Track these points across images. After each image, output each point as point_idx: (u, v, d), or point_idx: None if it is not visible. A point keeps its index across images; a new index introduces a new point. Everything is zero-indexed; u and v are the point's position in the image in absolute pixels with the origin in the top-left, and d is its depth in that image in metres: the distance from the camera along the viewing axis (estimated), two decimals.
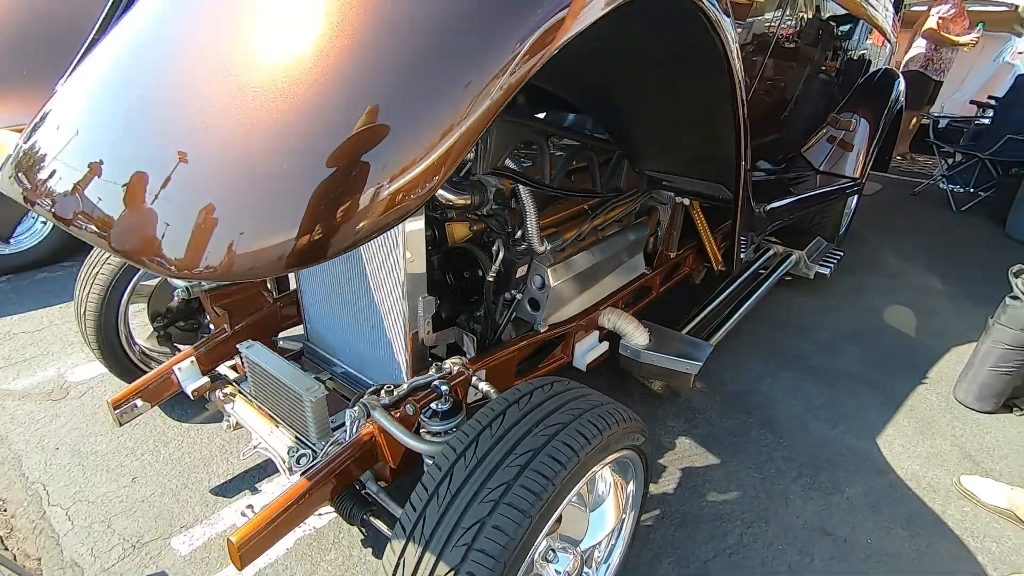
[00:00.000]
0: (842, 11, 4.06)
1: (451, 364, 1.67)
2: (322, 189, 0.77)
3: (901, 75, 3.99)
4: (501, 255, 1.91)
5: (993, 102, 6.31)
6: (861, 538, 1.94)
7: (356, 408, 1.60)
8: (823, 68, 3.52)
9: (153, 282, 2.41)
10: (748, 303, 3.01)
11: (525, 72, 0.87)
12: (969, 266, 4.32)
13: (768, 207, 2.69)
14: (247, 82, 0.84)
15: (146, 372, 2.18)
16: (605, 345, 2.49)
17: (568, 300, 2.30)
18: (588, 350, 2.43)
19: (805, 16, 2.90)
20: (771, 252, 3.66)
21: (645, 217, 2.71)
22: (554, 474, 1.17)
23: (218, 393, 1.94)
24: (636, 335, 2.48)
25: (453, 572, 1.07)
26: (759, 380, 2.82)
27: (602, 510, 1.64)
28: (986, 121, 6.45)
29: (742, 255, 2.42)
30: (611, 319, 2.50)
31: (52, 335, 2.91)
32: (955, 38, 4.90)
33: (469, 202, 1.92)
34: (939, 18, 4.95)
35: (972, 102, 6.56)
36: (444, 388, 1.49)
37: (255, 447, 1.82)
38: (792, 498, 2.11)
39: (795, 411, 2.60)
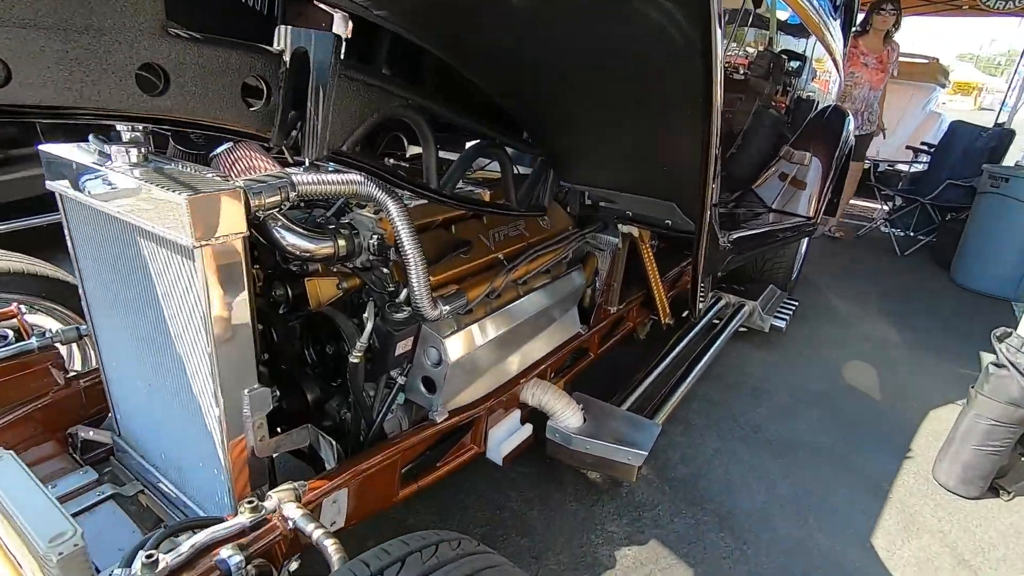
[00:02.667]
0: (794, 44, 3.84)
1: (277, 499, 1.11)
2: None
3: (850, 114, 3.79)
4: (371, 324, 1.38)
5: (926, 148, 6.37)
6: None
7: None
8: (773, 103, 3.24)
9: None
10: (699, 366, 2.58)
11: None
12: (921, 315, 4.11)
13: (732, 236, 2.28)
14: None
15: None
16: (528, 429, 1.98)
17: (477, 375, 1.79)
18: (506, 437, 1.91)
19: (756, 48, 2.57)
20: (722, 302, 3.29)
21: (579, 265, 2.25)
22: None
23: None
24: (566, 415, 1.99)
25: None
26: (713, 460, 2.37)
27: None
28: (920, 167, 6.50)
29: (700, 299, 1.95)
30: (536, 395, 2.00)
31: None
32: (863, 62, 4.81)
33: (332, 251, 1.40)
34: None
35: (908, 147, 6.62)
36: (235, 561, 0.93)
37: None
38: None
39: (757, 502, 2.15)
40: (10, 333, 1.64)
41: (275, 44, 1.00)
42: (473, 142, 1.36)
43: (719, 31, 0.96)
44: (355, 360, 1.38)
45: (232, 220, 1.10)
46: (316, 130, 0.94)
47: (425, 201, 1.65)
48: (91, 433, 1.73)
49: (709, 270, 1.54)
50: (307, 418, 1.62)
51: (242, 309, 1.18)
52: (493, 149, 1.40)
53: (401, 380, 1.48)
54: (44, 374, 1.62)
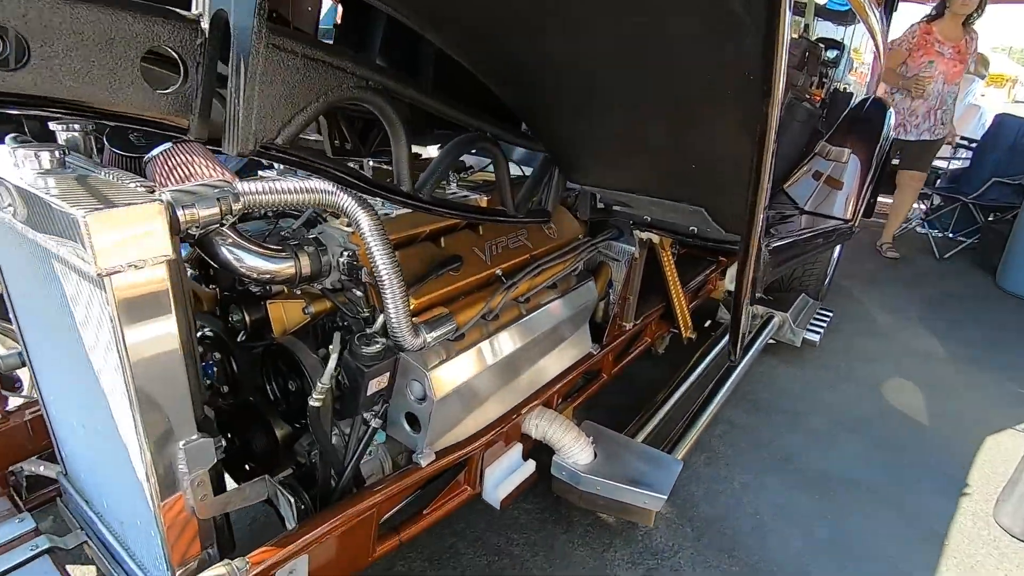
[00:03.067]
0: (832, 32, 3.52)
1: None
2: None
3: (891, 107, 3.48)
4: (335, 360, 1.16)
5: (966, 143, 5.97)
6: None
7: None
8: (807, 95, 2.95)
9: None
10: (724, 388, 2.32)
11: None
12: (967, 324, 3.77)
13: (771, 244, 2.02)
14: None
15: None
16: (530, 466, 1.75)
17: (472, 408, 1.56)
18: (505, 476, 1.69)
19: (790, 35, 2.29)
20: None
21: (591, 278, 2.01)
22: None
23: None
24: (574, 449, 1.75)
25: None
26: (741, 496, 2.11)
27: None
28: (960, 163, 6.10)
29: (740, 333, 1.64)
30: (540, 427, 1.77)
31: None
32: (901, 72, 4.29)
33: (293, 272, 1.18)
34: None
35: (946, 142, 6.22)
36: None
37: None
38: None
39: (792, 549, 1.89)
40: None
41: (193, 6, 0.79)
42: (459, 136, 1.13)
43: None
44: (315, 404, 1.16)
45: (151, 241, 0.89)
46: (238, 118, 0.72)
47: (409, 209, 1.43)
48: (41, 468, 1.55)
49: (753, 293, 1.27)
50: (275, 458, 1.42)
51: (170, 348, 0.97)
52: (482, 144, 1.17)
53: (375, 424, 1.25)
54: None
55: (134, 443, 1.00)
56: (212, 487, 1.12)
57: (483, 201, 1.61)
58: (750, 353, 2.62)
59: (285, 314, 1.32)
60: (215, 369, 1.41)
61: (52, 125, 1.33)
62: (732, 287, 3.33)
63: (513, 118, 1.29)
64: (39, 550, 1.31)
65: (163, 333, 0.95)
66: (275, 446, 1.39)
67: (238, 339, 1.31)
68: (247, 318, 1.25)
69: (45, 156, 0.99)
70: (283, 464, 1.45)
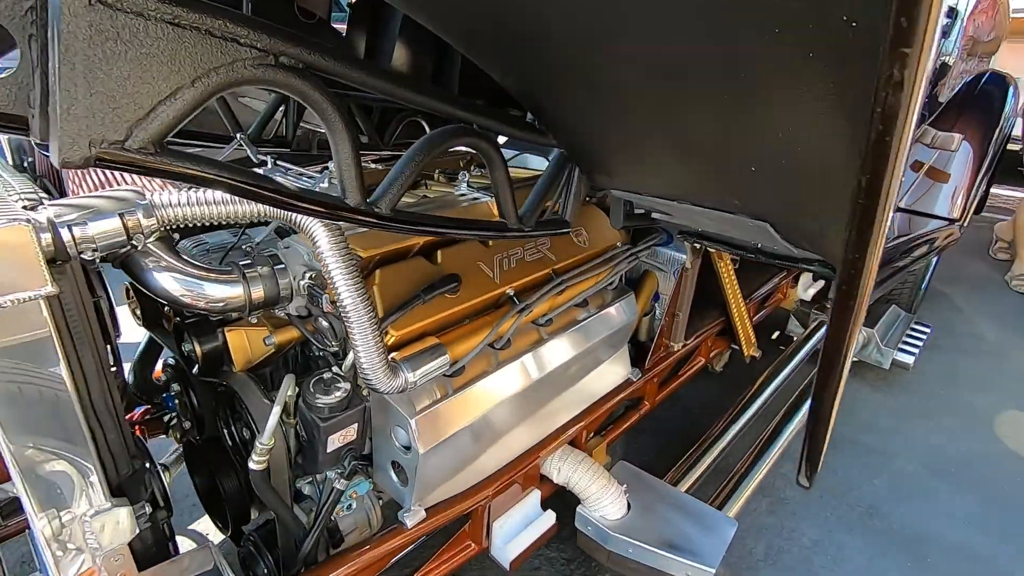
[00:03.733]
0: None
1: None
2: None
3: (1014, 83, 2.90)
4: (276, 414, 0.94)
5: None
6: None
7: None
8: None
9: None
10: (793, 423, 1.95)
11: None
12: None
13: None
14: None
15: None
16: (550, 518, 1.48)
17: (473, 455, 1.31)
18: (519, 530, 1.43)
19: None
20: (824, 327, 2.58)
21: (630, 292, 1.70)
22: None
23: None
24: (603, 500, 1.47)
25: None
26: (811, 556, 1.76)
27: None
28: None
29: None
30: (563, 471, 1.50)
31: None
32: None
33: (242, 298, 0.97)
34: None
35: None
36: None
37: None
38: None
39: None
40: None
41: None
42: (433, 132, 0.86)
43: None
44: (255, 467, 0.94)
45: (19, 272, 0.69)
46: (55, 111, 0.49)
47: None
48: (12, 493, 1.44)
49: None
50: (246, 505, 1.22)
51: (60, 405, 0.77)
52: (469, 139, 0.89)
53: (339, 485, 1.02)
54: None
55: (29, 511, 0.82)
56: (140, 563, 0.93)
57: (495, 206, 1.34)
58: None
59: (249, 344, 1.10)
60: (176, 401, 1.23)
61: None
62: (806, 296, 2.90)
63: (516, 105, 1.01)
64: None
65: (45, 387, 0.75)
66: (242, 493, 1.19)
67: (193, 372, 1.11)
68: (198, 349, 1.05)
69: None
70: (259, 509, 1.26)
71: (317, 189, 1.08)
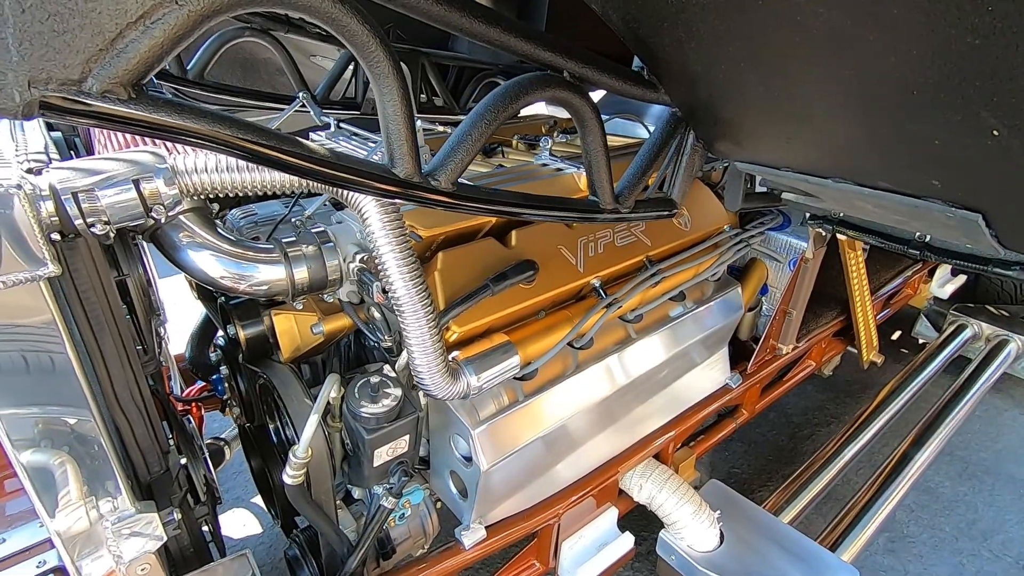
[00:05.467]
0: None
1: None
2: None
3: None
4: (314, 423, 0.80)
5: None
6: None
7: None
8: None
9: None
10: (927, 449, 1.62)
11: None
12: None
13: None
14: None
15: None
16: (627, 541, 1.30)
17: (544, 469, 1.14)
18: (592, 553, 1.26)
19: None
20: (967, 333, 2.18)
21: (735, 285, 1.44)
22: None
23: None
24: (692, 528, 1.26)
25: None
26: None
27: None
28: None
29: None
30: (646, 488, 1.31)
31: None
32: None
33: (285, 281, 0.84)
34: None
35: None
36: None
37: None
38: None
39: None
40: None
41: None
42: (510, 80, 0.66)
43: None
44: (291, 481, 0.81)
45: (12, 248, 0.57)
46: (7, 32, 0.34)
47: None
48: None
49: None
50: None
51: (69, 399, 0.67)
52: (557, 91, 0.67)
53: (387, 504, 0.88)
54: None
55: (41, 512, 0.73)
56: (176, 566, 0.84)
57: (582, 179, 1.13)
58: (970, 395, 1.85)
59: (298, 330, 0.98)
60: (225, 385, 1.14)
61: None
62: (943, 293, 2.46)
63: (622, 53, 0.78)
64: (45, 568, 1.16)
65: (50, 380, 0.65)
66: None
67: (239, 357, 1.00)
68: (241, 333, 0.93)
69: None
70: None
71: (375, 157, 0.92)
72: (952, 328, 2.19)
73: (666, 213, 0.97)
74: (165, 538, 0.79)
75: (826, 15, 0.51)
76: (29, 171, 0.62)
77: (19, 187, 0.56)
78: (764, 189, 1.14)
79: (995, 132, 0.49)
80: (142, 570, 0.79)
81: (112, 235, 0.67)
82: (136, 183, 0.64)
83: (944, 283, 2.37)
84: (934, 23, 0.45)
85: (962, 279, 2.43)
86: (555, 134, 1.47)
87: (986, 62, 0.47)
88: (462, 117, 1.89)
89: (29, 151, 0.65)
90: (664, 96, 0.82)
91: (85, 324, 0.68)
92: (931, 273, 2.36)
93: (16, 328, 0.60)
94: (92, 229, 0.64)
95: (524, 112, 1.90)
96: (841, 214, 1.03)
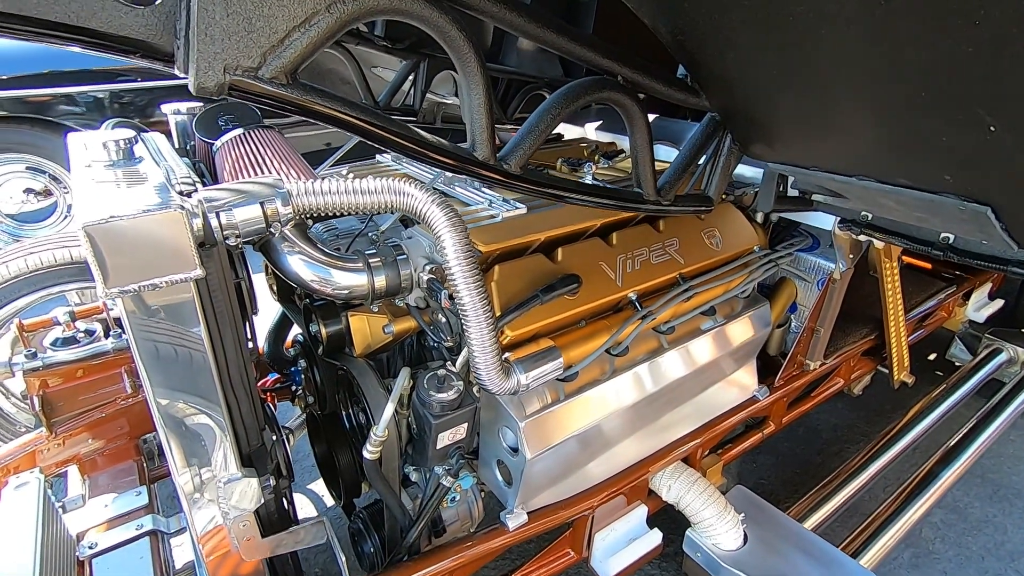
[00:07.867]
0: None
1: None
2: None
3: None
4: (391, 408, 0.93)
5: None
6: None
7: None
8: None
9: None
10: (953, 469, 1.67)
11: None
12: None
13: None
14: None
15: None
16: (656, 537, 1.39)
17: (582, 463, 1.25)
18: (622, 545, 1.36)
19: None
20: (1003, 357, 2.19)
21: (764, 303, 1.53)
22: None
23: None
24: (717, 528, 1.35)
25: None
26: None
27: None
28: None
29: None
30: (675, 489, 1.41)
31: None
32: None
33: (366, 286, 0.98)
34: None
35: None
36: None
37: None
38: None
39: None
40: (98, 328, 1.56)
41: None
42: (571, 83, 0.78)
43: None
44: (369, 457, 0.95)
45: (171, 256, 0.73)
46: (191, 33, 0.49)
47: (523, 210, 1.14)
48: None
49: None
50: (359, 481, 1.27)
51: (201, 378, 0.82)
52: (611, 94, 0.79)
53: (446, 482, 1.01)
54: (118, 379, 1.51)
55: (171, 464, 0.89)
56: (263, 528, 0.99)
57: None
58: (1003, 417, 1.87)
59: (369, 330, 1.13)
60: (302, 376, 1.30)
61: (163, 107, 1.29)
62: (978, 316, 2.47)
63: (664, 59, 0.90)
64: (142, 531, 1.33)
65: (190, 361, 0.80)
66: (354, 469, 1.24)
67: (318, 352, 1.16)
68: (323, 331, 1.09)
69: (113, 147, 0.90)
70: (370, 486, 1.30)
71: None
72: (987, 351, 2.21)
73: (705, 208, 1.07)
74: (263, 500, 0.94)
75: (848, 32, 0.62)
76: (181, 193, 0.78)
77: (182, 207, 0.72)
78: (795, 193, 1.23)
79: (992, 128, 0.59)
80: (243, 526, 0.94)
81: (240, 245, 0.82)
82: (262, 204, 0.80)
83: (980, 307, 2.39)
84: (936, 36, 0.55)
85: (999, 303, 2.44)
86: (596, 158, 1.60)
87: (979, 67, 0.57)
88: (509, 126, 2.03)
89: (179, 177, 0.82)
90: (705, 101, 0.93)
91: (213, 318, 0.84)
92: (966, 296, 2.38)
93: (171, 321, 0.76)
94: (227, 240, 0.79)
95: (568, 136, 2.04)
96: (869, 216, 1.11)
